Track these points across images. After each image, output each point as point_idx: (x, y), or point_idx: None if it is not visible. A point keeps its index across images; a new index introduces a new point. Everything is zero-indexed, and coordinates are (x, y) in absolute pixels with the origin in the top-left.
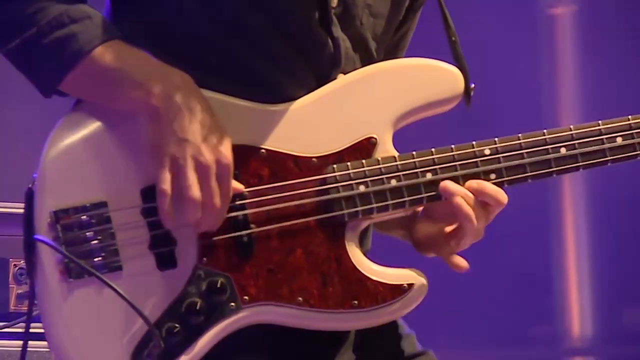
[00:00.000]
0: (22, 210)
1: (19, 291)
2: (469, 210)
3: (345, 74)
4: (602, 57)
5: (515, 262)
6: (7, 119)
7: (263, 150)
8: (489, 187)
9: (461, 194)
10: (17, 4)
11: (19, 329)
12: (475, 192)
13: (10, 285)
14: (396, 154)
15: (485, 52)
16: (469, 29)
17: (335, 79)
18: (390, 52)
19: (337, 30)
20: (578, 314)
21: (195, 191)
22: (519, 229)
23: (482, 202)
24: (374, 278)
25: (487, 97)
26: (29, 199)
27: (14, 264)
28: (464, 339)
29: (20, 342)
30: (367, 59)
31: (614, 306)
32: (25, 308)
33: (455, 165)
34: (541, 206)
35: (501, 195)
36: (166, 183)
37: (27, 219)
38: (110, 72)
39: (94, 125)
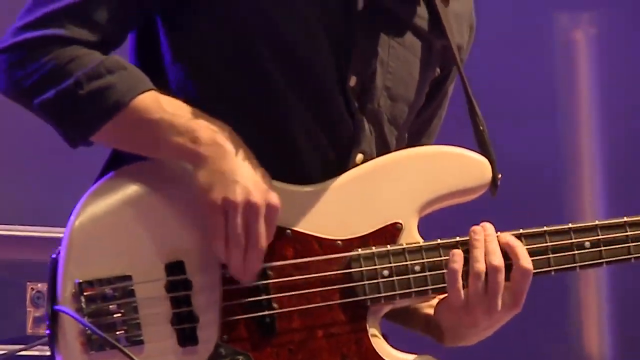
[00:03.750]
0: (39, 234)
1: (36, 314)
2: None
3: (364, 154)
4: (621, 80)
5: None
6: (22, 143)
7: (288, 231)
8: (519, 244)
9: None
10: (50, 54)
11: (35, 351)
12: (505, 242)
13: (28, 309)
14: (421, 240)
15: (501, 77)
16: (485, 53)
17: (354, 159)
18: (415, 138)
19: (355, 109)
20: (596, 331)
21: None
22: None
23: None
24: None
25: (503, 123)
26: (54, 267)
27: (31, 288)
28: (474, 357)
29: None
30: (382, 143)
31: (635, 325)
32: (43, 331)
33: None
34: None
35: (527, 260)
36: (219, 226)
37: (51, 288)
38: (153, 121)
39: (122, 197)
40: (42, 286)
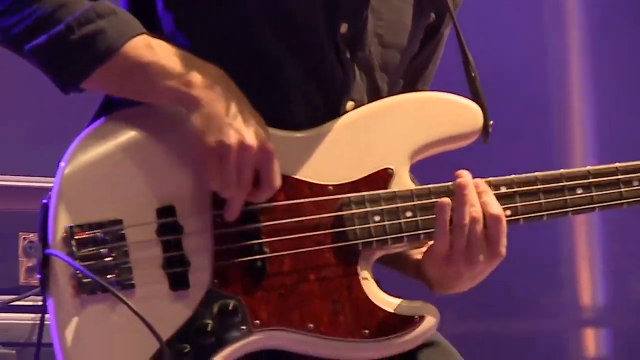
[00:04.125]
0: (31, 184)
1: (29, 264)
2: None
3: (355, 102)
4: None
5: (524, 231)
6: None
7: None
8: (488, 191)
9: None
10: (39, 1)
11: (28, 302)
12: (477, 189)
13: (20, 259)
14: (412, 186)
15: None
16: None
17: (345, 106)
18: (408, 84)
19: (346, 57)
20: (589, 283)
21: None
22: None
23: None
24: (386, 308)
25: (493, 75)
26: (44, 212)
27: (24, 238)
28: (472, 310)
29: (31, 315)
30: (373, 90)
31: (626, 275)
32: (35, 281)
33: None
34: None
35: (495, 206)
36: (214, 169)
37: (42, 233)
38: (145, 65)
39: (114, 142)
40: (34, 236)
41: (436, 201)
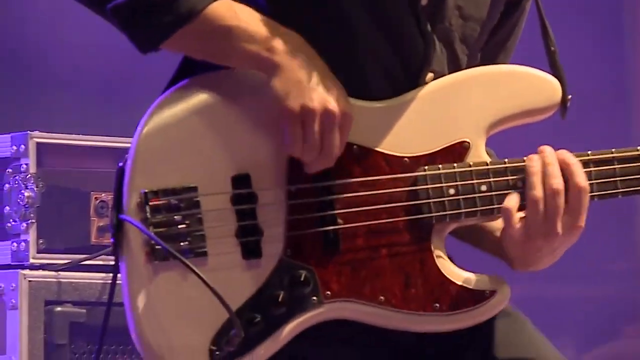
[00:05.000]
0: (104, 144)
1: (100, 224)
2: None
3: (435, 73)
4: None
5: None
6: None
7: (355, 147)
8: (576, 162)
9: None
10: None
11: (99, 261)
12: (562, 160)
13: (92, 218)
14: (488, 159)
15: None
16: None
17: (425, 78)
18: (489, 57)
19: (426, 28)
20: None
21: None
22: None
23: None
24: (457, 282)
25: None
26: (120, 176)
27: (95, 197)
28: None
29: (102, 275)
30: (453, 62)
31: None
32: (106, 240)
33: None
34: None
35: (582, 177)
36: (297, 134)
37: (117, 197)
38: (226, 28)
39: (192, 107)
40: (106, 196)
41: (512, 178)
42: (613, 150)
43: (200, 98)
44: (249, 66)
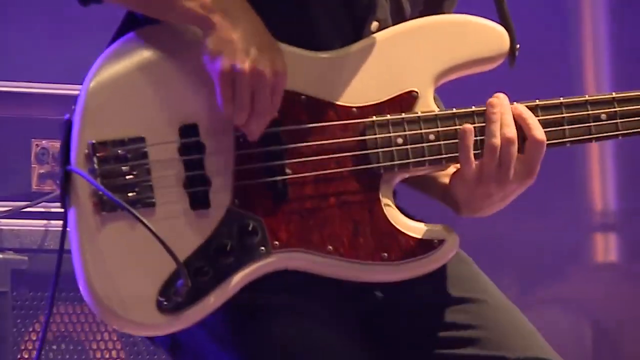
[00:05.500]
0: (43, 91)
1: (41, 171)
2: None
3: (379, 22)
4: None
5: None
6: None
7: (303, 97)
8: (531, 115)
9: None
10: None
11: (40, 208)
12: (518, 114)
13: (32, 165)
14: (437, 109)
15: None
16: None
17: (370, 27)
18: (434, 6)
19: None
20: (600, 187)
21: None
22: None
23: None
24: (405, 232)
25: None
26: (67, 128)
27: (36, 144)
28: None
29: (43, 222)
30: (398, 12)
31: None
32: (48, 187)
33: None
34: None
35: (540, 131)
36: (226, 94)
37: (64, 149)
38: None
39: (138, 60)
40: (47, 143)
41: (459, 128)
42: (561, 98)
43: (146, 50)
44: (185, 22)
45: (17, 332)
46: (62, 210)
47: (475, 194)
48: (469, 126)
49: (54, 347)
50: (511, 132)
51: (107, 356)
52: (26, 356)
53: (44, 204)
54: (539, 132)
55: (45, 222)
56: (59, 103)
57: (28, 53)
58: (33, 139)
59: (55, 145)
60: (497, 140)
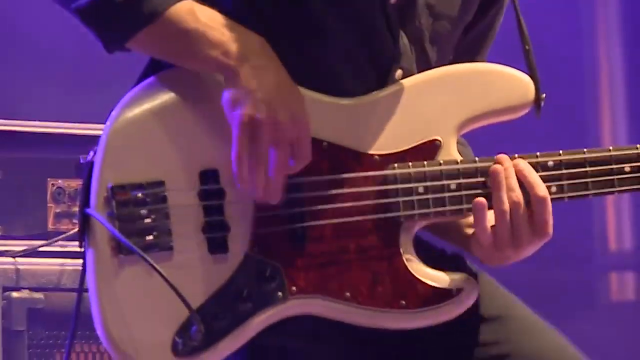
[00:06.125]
0: (59, 130)
1: (57, 210)
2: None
3: (404, 70)
4: None
5: None
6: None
7: (325, 143)
8: (532, 172)
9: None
10: None
11: (57, 247)
12: (519, 171)
13: (49, 205)
14: (459, 158)
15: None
16: None
17: (394, 74)
18: (464, 55)
19: (396, 27)
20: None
21: (266, 151)
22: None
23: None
24: (424, 280)
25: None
26: (89, 170)
27: (52, 184)
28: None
29: (59, 260)
30: (423, 60)
31: None
32: (64, 227)
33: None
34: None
35: (541, 188)
36: (242, 144)
37: (84, 191)
38: (186, 32)
39: (160, 103)
40: (63, 182)
41: (482, 180)
42: (585, 150)
43: (168, 94)
44: (208, 70)
45: None
46: (79, 249)
47: (493, 257)
48: (481, 200)
49: None
50: (516, 195)
51: None
52: None
53: (60, 243)
54: (540, 190)
55: (61, 261)
56: (75, 143)
57: (45, 93)
58: (49, 179)
59: (71, 184)
60: (505, 206)
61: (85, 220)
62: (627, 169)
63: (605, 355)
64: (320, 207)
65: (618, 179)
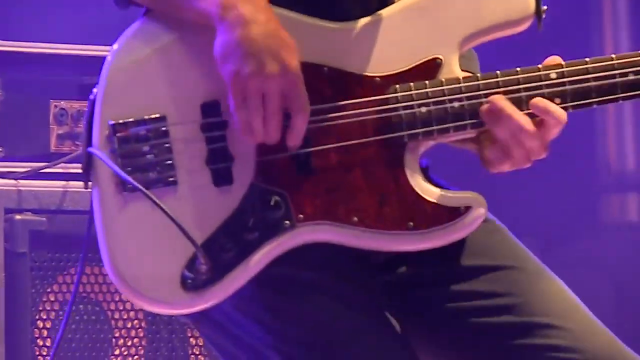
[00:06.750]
0: (61, 51)
1: (60, 132)
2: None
3: None
4: None
5: None
6: None
7: (326, 69)
8: (552, 106)
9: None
10: None
11: (59, 169)
12: (540, 111)
13: (51, 126)
14: (461, 75)
15: None
16: None
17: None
18: None
19: None
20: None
21: (259, 104)
22: None
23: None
24: (431, 200)
25: None
26: (90, 108)
27: (55, 105)
28: None
29: (61, 182)
30: None
31: None
32: (66, 148)
33: (519, 88)
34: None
35: (563, 115)
36: (236, 98)
37: (87, 129)
38: None
39: (160, 39)
40: (65, 103)
41: (485, 92)
42: (587, 60)
43: (166, 30)
44: (201, 21)
45: (35, 293)
46: (80, 171)
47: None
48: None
49: (73, 308)
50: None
51: (125, 317)
52: (44, 317)
53: (62, 164)
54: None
55: (64, 183)
56: (77, 64)
57: (46, 13)
58: (51, 100)
59: (74, 105)
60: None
61: (88, 159)
62: (630, 75)
63: (608, 278)
64: (323, 131)
65: (621, 85)
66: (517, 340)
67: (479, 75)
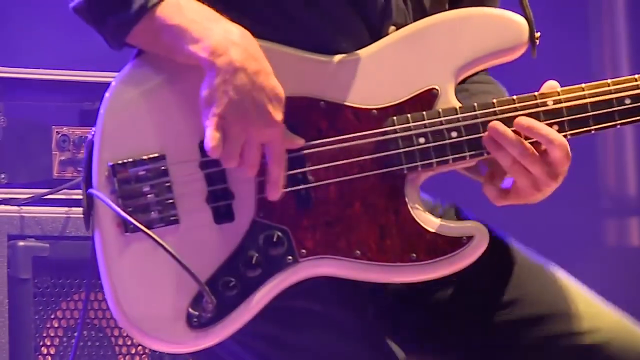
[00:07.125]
0: (63, 77)
1: (62, 158)
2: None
3: (397, 27)
4: None
5: None
6: None
7: (322, 102)
8: (537, 124)
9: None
10: None
11: (62, 195)
12: (525, 130)
13: (53, 152)
14: (458, 105)
15: None
16: None
17: (387, 32)
18: (457, 2)
19: None
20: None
21: (236, 157)
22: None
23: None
24: (432, 230)
25: None
26: (89, 149)
27: (57, 131)
28: None
29: (64, 209)
30: (420, 12)
31: None
32: (69, 174)
33: (517, 116)
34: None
35: (553, 134)
36: (214, 140)
37: (86, 171)
38: (171, 27)
39: (154, 79)
40: (67, 130)
41: (483, 120)
42: (583, 86)
43: (162, 69)
44: (190, 62)
45: (38, 319)
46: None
47: (511, 202)
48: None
49: (76, 333)
50: (528, 148)
51: (128, 343)
52: (48, 343)
53: (65, 191)
54: (553, 135)
55: (66, 209)
56: (79, 90)
57: (48, 40)
58: (54, 126)
59: (76, 132)
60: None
61: (89, 200)
62: (627, 100)
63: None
64: (322, 166)
65: (618, 111)
66: (532, 333)
67: (475, 104)
